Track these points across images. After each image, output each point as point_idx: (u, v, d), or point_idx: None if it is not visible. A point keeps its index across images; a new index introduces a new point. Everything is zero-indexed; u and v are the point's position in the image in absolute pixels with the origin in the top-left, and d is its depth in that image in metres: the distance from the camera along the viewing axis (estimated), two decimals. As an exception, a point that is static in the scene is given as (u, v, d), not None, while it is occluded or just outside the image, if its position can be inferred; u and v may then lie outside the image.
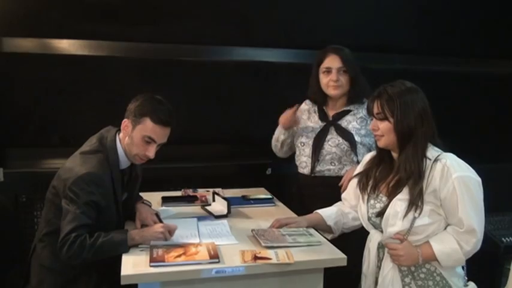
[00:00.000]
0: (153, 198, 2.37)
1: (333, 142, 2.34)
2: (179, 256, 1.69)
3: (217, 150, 3.10)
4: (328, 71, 2.32)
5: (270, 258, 1.70)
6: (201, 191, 2.59)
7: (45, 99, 2.82)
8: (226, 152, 3.13)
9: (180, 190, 2.62)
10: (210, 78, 3.06)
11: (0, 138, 2.80)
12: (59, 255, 1.77)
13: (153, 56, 2.96)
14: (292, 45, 3.16)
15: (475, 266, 1.85)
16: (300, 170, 2.44)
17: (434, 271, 1.73)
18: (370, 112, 1.80)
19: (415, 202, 1.68)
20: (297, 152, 2.48)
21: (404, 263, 1.72)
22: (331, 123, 2.37)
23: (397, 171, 1.76)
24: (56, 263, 1.89)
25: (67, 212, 1.80)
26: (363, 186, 1.87)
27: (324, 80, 2.34)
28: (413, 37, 3.37)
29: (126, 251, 1.76)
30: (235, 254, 1.74)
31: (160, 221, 2.02)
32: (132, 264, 1.65)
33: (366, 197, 1.85)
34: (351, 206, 2.02)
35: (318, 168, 2.35)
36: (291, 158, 2.55)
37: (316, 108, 2.45)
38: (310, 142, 2.38)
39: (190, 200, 2.46)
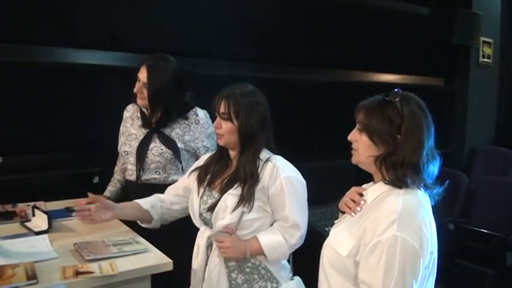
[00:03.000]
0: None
1: (156, 151, 2.30)
2: (-7, 281, 1.56)
3: (39, 160, 2.87)
4: (138, 80, 2.32)
5: (92, 272, 1.64)
6: (21, 206, 2.38)
7: None
8: (49, 161, 2.91)
9: (-3, 207, 2.37)
10: (29, 81, 2.82)
11: None
12: None
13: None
14: (119, 48, 3.07)
15: (302, 255, 1.95)
16: (128, 177, 2.40)
17: (259, 265, 1.83)
18: (215, 110, 1.85)
19: (246, 198, 1.77)
20: (122, 160, 2.43)
21: (232, 255, 1.79)
22: (154, 130, 2.34)
23: (234, 170, 1.84)
24: None
25: None
26: (200, 180, 1.91)
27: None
28: (238, 45, 3.53)
29: None
30: (56, 271, 1.65)
31: None
32: None
33: (201, 191, 1.89)
34: (170, 195, 2.05)
35: (143, 177, 2.32)
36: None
37: (138, 114, 2.41)
38: (134, 151, 2.33)
39: (7, 216, 2.25)
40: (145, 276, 1.77)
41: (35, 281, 1.57)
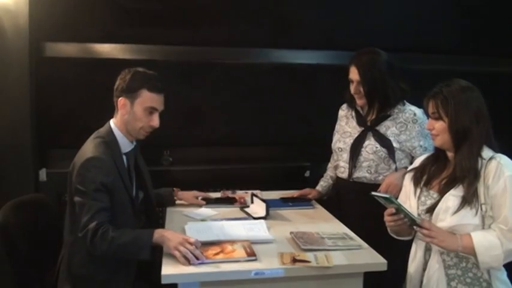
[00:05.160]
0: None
1: (371, 149, 2.27)
2: (217, 254, 1.71)
3: (256, 153, 3.09)
4: (351, 81, 2.30)
5: (309, 261, 1.68)
6: (239, 193, 2.59)
7: (87, 102, 2.88)
8: (265, 154, 3.11)
9: (219, 191, 2.62)
10: (248, 81, 3.06)
11: (43, 139, 2.87)
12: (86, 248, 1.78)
13: (191, 58, 2.99)
14: (331, 46, 3.12)
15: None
16: (339, 175, 2.40)
17: (481, 277, 1.69)
18: (425, 111, 1.81)
19: (469, 200, 1.65)
20: (335, 157, 2.45)
21: (441, 244, 1.66)
22: (369, 128, 2.31)
23: (452, 170, 1.75)
24: (89, 268, 1.90)
25: (82, 205, 1.81)
26: (416, 181, 1.85)
27: (350, 89, 2.32)
28: (453, 37, 3.28)
29: (147, 257, 1.75)
30: (273, 255, 1.73)
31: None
32: (173, 263, 1.66)
33: (417, 193, 1.82)
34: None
35: (355, 174, 2.30)
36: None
37: (353, 113, 2.40)
38: (348, 148, 2.33)
39: (229, 201, 2.46)
40: (358, 273, 1.74)
41: (254, 258, 1.68)
